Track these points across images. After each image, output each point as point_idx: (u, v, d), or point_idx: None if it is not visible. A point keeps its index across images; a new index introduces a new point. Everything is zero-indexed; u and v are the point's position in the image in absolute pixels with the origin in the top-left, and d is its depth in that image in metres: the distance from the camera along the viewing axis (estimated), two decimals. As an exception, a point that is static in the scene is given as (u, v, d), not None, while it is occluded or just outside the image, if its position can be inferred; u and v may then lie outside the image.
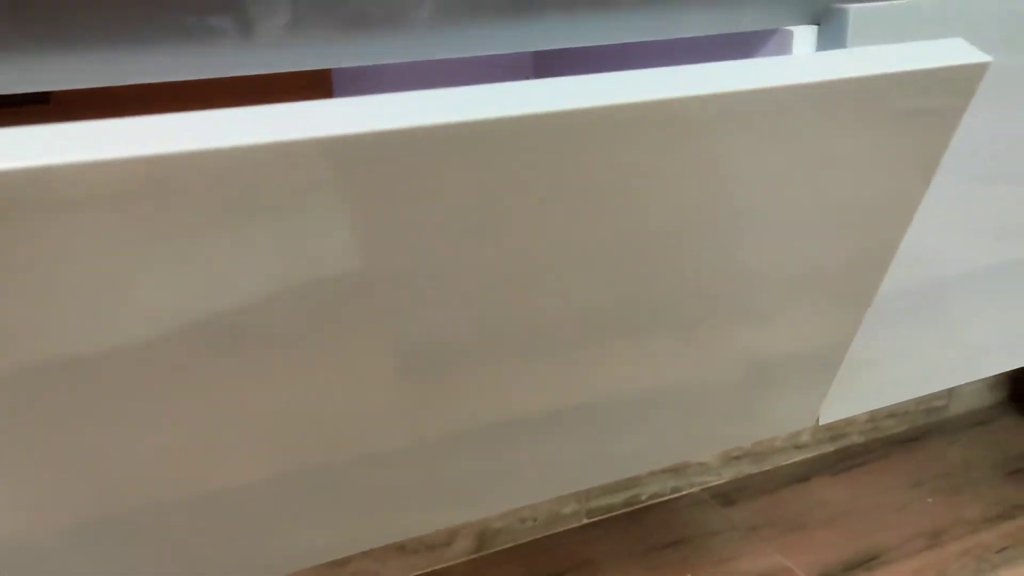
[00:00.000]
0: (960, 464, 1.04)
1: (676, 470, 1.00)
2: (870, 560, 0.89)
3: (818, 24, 0.49)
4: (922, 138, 0.41)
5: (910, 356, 0.59)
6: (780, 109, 0.38)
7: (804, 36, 0.49)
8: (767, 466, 1.05)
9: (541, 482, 0.48)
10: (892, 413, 1.12)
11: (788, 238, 0.43)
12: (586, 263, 0.39)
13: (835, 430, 1.09)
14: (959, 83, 0.40)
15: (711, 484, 1.03)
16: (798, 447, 1.08)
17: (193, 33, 0.37)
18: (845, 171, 0.41)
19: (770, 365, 0.47)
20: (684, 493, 1.01)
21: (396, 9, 0.40)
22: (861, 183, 0.42)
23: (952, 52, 0.39)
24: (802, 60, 0.39)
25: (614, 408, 0.46)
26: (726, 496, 1.01)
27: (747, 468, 1.05)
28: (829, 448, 1.09)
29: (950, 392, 1.13)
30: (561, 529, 0.95)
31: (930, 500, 0.98)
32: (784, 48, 0.49)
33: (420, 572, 0.89)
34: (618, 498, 0.98)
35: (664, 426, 0.47)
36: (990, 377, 1.14)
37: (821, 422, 0.54)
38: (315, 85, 0.54)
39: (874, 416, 1.11)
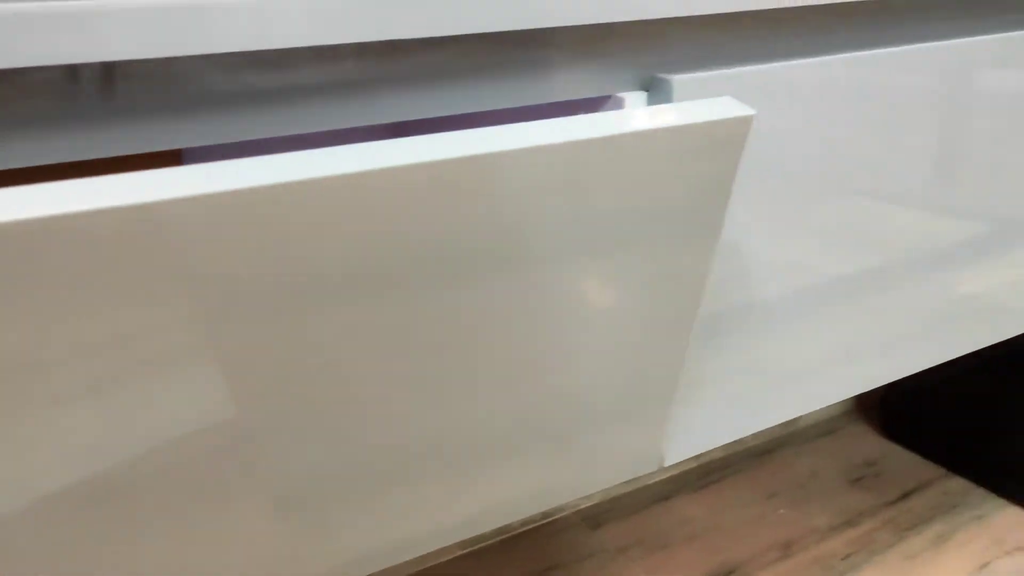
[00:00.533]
0: (809, 474, 1.11)
1: (546, 496, 1.03)
2: (727, 574, 0.94)
3: (647, 90, 0.53)
4: (705, 186, 0.45)
5: (746, 391, 0.63)
6: (564, 167, 0.41)
7: (635, 101, 0.52)
8: (634, 486, 1.10)
9: (412, 546, 0.50)
10: (748, 428, 1.18)
11: (595, 303, 0.46)
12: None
13: (696, 448, 1.14)
14: (729, 135, 0.44)
15: (581, 507, 1.06)
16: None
17: (25, 119, 0.37)
18: (640, 225, 0.45)
19: (600, 425, 0.51)
20: (555, 518, 1.04)
21: (246, 87, 0.41)
22: (656, 237, 0.46)
23: (722, 108, 0.44)
24: (583, 120, 0.42)
25: (484, 494, 0.49)
26: (595, 518, 1.04)
27: (615, 489, 1.09)
28: (692, 464, 1.14)
29: (800, 406, 1.20)
30: (434, 563, 0.96)
31: (783, 511, 1.04)
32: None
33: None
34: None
35: (523, 491, 0.51)
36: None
37: (667, 463, 0.57)
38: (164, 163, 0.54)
39: (731, 432, 1.16)
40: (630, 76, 0.52)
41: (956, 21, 0.65)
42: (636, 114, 0.44)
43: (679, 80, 0.51)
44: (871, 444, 1.17)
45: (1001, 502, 1.03)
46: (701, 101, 0.45)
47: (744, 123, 0.45)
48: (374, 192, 0.36)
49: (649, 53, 0.52)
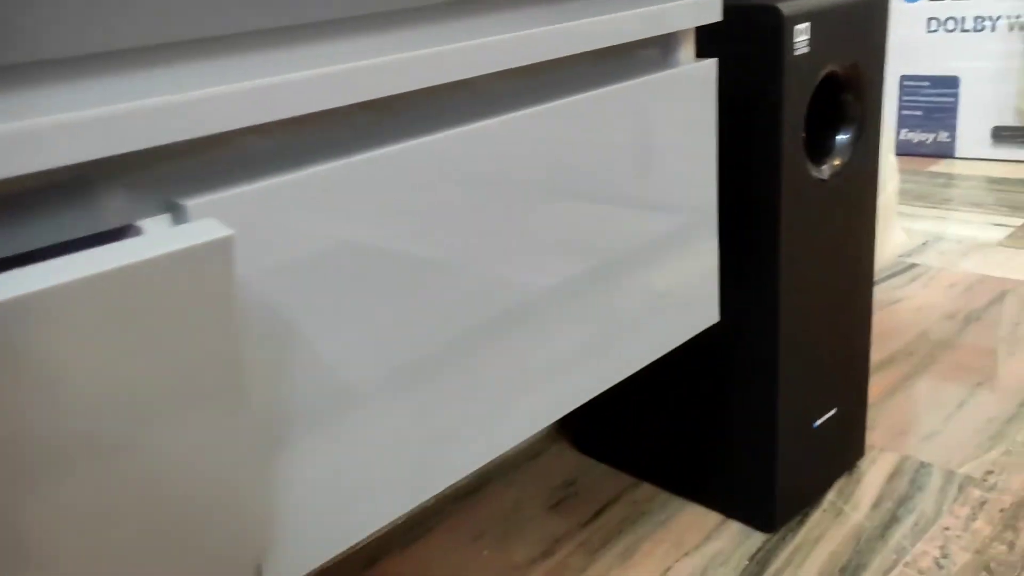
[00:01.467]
0: (513, 507, 1.13)
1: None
2: (429, 635, 0.93)
3: (171, 213, 0.50)
4: (206, 308, 0.45)
5: (364, 483, 0.62)
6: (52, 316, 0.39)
7: (159, 224, 0.50)
8: (340, 555, 1.07)
9: None
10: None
11: (140, 461, 0.44)
12: None
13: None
14: (213, 256, 0.45)
15: (287, 590, 1.02)
16: (372, 525, 1.10)
17: None
18: (147, 357, 0.43)
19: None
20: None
21: None
22: (168, 365, 0.45)
23: (203, 231, 0.45)
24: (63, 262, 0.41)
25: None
26: (300, 600, 1.01)
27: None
28: (400, 519, 1.13)
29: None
30: None
31: (486, 552, 1.05)
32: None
33: None
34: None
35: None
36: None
37: (263, 589, 0.55)
38: None
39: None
40: (149, 203, 0.50)
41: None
42: (98, 255, 0.42)
43: (194, 204, 0.49)
44: (569, 462, 1.20)
45: (681, 502, 1.09)
46: (180, 227, 0.45)
47: (225, 243, 0.45)
48: None
49: (168, 178, 0.50)
